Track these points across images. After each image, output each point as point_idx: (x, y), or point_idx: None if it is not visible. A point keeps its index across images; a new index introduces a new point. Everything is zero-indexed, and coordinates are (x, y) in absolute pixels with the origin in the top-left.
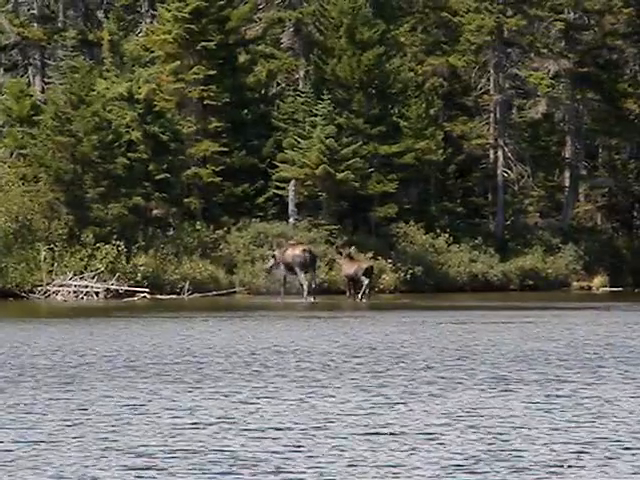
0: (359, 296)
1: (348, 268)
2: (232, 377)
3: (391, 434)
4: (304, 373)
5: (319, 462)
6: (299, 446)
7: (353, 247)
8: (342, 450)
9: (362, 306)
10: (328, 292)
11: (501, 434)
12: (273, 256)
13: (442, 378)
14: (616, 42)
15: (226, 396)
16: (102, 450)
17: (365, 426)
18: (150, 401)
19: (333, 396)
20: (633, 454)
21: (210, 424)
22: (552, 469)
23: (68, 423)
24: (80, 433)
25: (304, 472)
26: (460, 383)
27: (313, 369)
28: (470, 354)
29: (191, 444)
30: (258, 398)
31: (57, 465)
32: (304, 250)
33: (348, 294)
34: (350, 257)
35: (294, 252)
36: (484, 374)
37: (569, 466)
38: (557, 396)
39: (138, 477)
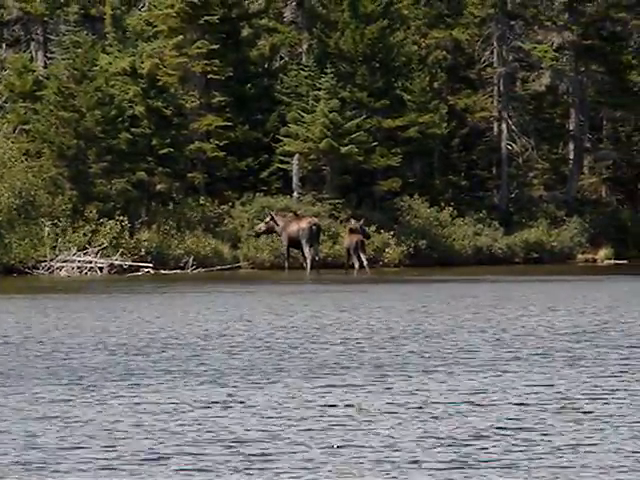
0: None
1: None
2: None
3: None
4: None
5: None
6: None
7: (361, 220)
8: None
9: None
10: (332, 266)
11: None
12: (268, 222)
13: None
14: (620, 14)
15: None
16: None
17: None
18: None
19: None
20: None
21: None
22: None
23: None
24: None
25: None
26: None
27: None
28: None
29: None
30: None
31: None
32: (309, 223)
33: (347, 267)
34: (350, 229)
35: (300, 225)
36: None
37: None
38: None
39: None
